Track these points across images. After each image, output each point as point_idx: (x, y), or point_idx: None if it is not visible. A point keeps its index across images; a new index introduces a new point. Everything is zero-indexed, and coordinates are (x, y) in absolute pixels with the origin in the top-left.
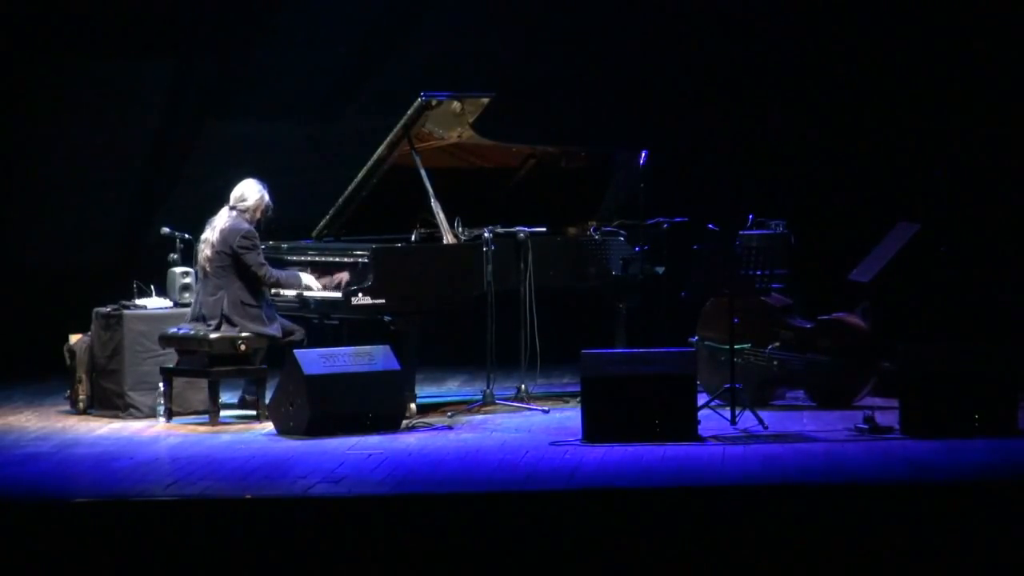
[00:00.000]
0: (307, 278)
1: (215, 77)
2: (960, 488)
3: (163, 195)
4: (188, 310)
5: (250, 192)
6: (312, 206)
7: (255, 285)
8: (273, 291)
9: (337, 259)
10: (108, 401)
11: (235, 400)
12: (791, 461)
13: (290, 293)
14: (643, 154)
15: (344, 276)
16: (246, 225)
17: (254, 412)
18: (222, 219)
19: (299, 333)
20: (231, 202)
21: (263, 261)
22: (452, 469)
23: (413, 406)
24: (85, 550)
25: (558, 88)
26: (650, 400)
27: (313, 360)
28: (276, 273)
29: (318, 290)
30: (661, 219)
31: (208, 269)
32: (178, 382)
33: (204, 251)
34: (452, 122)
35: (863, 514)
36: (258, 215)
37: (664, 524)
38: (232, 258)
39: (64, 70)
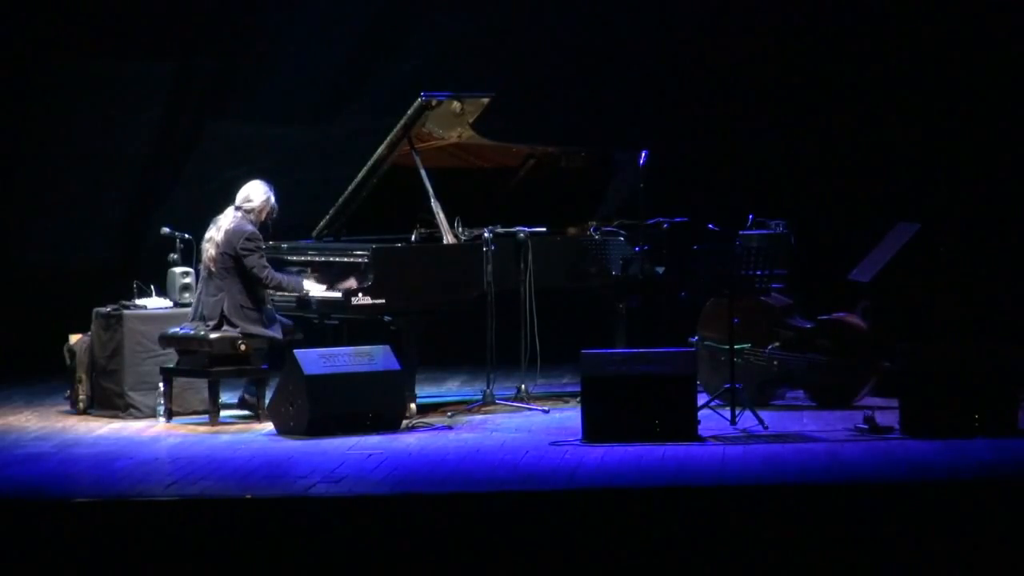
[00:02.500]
0: (309, 284)
1: (215, 77)
2: (960, 488)
3: (163, 195)
4: (188, 310)
5: (256, 193)
6: (312, 206)
7: (256, 287)
8: (276, 293)
9: (337, 259)
10: (108, 401)
11: (235, 400)
12: (791, 461)
13: (291, 296)
14: (643, 154)
15: (344, 277)
16: (250, 227)
17: (252, 413)
18: (227, 219)
19: (297, 333)
20: (237, 202)
21: (265, 264)
22: (452, 469)
23: (413, 406)
24: (85, 550)
25: (558, 88)
26: (650, 400)
27: (313, 360)
28: (278, 276)
29: (322, 291)
30: (661, 219)
31: (212, 269)
32: (178, 382)
33: (208, 250)
34: (452, 122)
35: (863, 514)
36: (263, 216)
37: (664, 524)
38: (234, 260)
39: (64, 70)
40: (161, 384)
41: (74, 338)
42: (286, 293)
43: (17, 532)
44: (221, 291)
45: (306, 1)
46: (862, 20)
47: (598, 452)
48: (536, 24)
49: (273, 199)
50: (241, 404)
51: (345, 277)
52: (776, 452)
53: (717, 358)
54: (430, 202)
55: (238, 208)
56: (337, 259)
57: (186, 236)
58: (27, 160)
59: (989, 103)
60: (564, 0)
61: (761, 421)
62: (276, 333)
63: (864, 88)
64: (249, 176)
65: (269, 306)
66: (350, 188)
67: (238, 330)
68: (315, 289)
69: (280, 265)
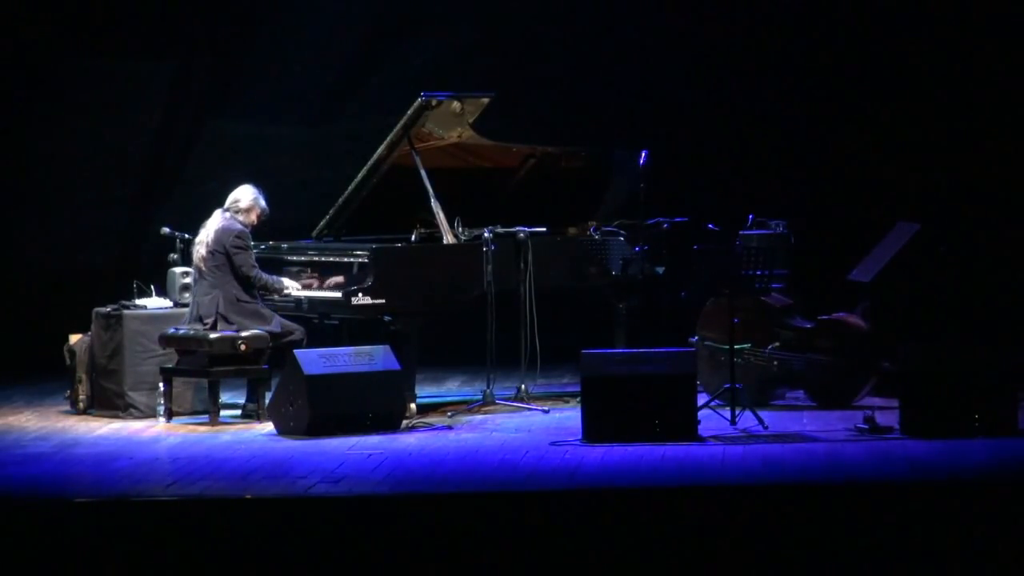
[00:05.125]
0: (287, 282)
1: (215, 77)
2: (960, 488)
3: (163, 195)
4: (187, 310)
5: (244, 196)
6: (312, 206)
7: (245, 283)
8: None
9: (337, 259)
10: (108, 401)
11: (235, 400)
12: (791, 461)
13: (276, 296)
14: (643, 154)
15: (343, 277)
16: (239, 226)
17: (254, 419)
18: (215, 221)
19: (299, 333)
20: (225, 205)
21: (254, 263)
22: (452, 469)
23: (413, 406)
24: (85, 550)
25: (558, 88)
26: (650, 400)
27: (313, 360)
28: (265, 277)
29: (297, 290)
30: (661, 219)
31: (203, 268)
32: (178, 382)
33: (199, 251)
34: (452, 122)
35: (863, 514)
36: (252, 218)
37: (664, 524)
38: (226, 257)
39: (64, 70)
40: (161, 384)
41: (74, 338)
42: (269, 293)
43: (17, 532)
44: (215, 288)
45: (306, 1)
46: (862, 20)
47: (598, 452)
48: (536, 24)
49: (263, 202)
50: (245, 414)
51: (347, 276)
52: (776, 452)
53: (717, 358)
54: (430, 202)
55: (226, 210)
56: (337, 259)
57: (186, 236)
58: (27, 160)
59: (989, 103)
60: (564, 0)
61: (761, 421)
62: (276, 327)
63: (864, 88)
64: (248, 177)
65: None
66: (350, 188)
67: (236, 327)
68: (293, 287)
69: (280, 265)
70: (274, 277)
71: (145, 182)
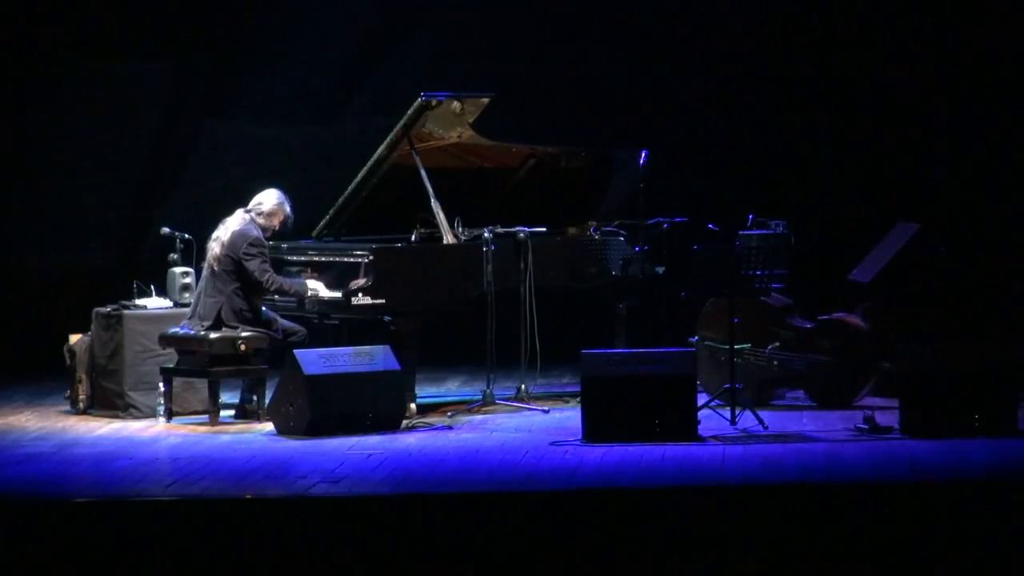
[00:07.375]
0: (313, 283)
1: (215, 77)
2: (960, 488)
3: (163, 195)
4: (188, 310)
5: (268, 200)
6: (312, 206)
7: (254, 292)
8: (276, 295)
9: (337, 259)
10: (108, 401)
11: (235, 400)
12: (791, 461)
13: (277, 297)
14: (643, 154)
15: (345, 277)
16: (255, 232)
17: (254, 419)
18: (235, 221)
19: (300, 333)
20: (248, 205)
21: (267, 268)
22: (452, 469)
23: (413, 406)
24: (85, 550)
25: (558, 88)
26: (650, 400)
27: (313, 360)
28: (280, 280)
29: (324, 291)
30: (661, 219)
31: (215, 268)
32: (178, 382)
33: (213, 249)
34: (452, 122)
35: (863, 514)
36: (274, 222)
37: (664, 524)
38: (235, 263)
39: (64, 70)
40: (161, 384)
41: (74, 338)
42: (289, 297)
43: (17, 532)
44: (220, 293)
45: (306, 1)
46: (862, 20)
47: (598, 452)
48: (536, 24)
49: (288, 208)
50: (240, 413)
51: (348, 276)
52: (776, 452)
53: (717, 358)
54: (430, 202)
55: (248, 211)
56: (337, 259)
57: (186, 236)
58: (27, 160)
59: (989, 103)
60: (563, 0)
61: (761, 421)
62: (276, 334)
63: (865, 88)
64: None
65: (264, 308)
66: (350, 188)
67: (238, 329)
68: (320, 289)
69: (280, 265)
70: (295, 280)
71: (145, 182)
